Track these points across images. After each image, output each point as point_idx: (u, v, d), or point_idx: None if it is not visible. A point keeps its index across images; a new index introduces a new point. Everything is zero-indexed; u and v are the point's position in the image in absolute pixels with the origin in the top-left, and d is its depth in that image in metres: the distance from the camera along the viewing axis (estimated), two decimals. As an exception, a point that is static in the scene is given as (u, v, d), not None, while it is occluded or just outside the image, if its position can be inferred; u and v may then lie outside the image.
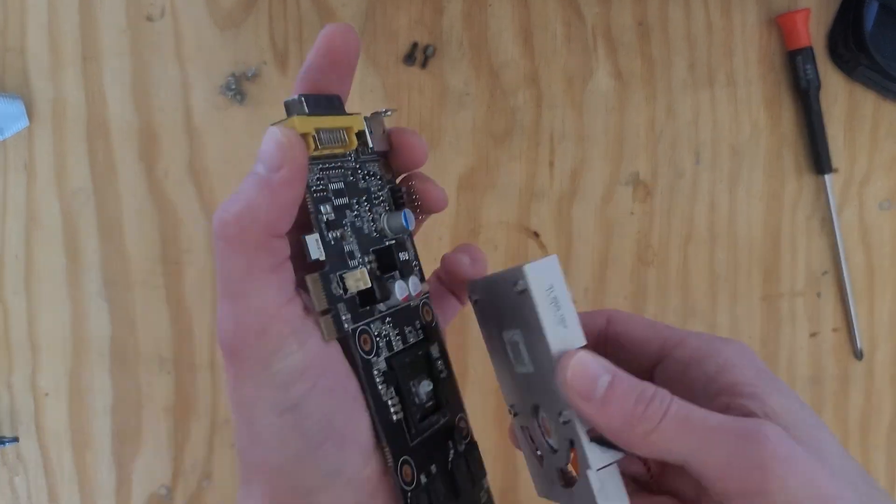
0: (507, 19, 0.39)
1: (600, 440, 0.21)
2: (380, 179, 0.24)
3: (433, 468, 0.23)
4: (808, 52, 0.39)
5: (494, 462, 0.41)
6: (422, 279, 0.25)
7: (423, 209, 0.25)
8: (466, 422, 0.25)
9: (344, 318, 0.22)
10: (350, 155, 0.23)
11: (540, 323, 0.21)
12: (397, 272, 0.24)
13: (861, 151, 0.41)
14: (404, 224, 0.24)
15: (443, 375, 0.24)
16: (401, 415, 0.22)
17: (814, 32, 0.40)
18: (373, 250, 0.23)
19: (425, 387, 0.23)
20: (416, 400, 0.23)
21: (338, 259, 0.22)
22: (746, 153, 0.41)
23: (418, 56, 0.39)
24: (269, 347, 0.21)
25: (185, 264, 0.39)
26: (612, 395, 0.21)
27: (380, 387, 0.22)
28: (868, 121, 0.41)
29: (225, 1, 0.38)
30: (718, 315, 0.41)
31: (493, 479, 0.41)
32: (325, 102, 0.22)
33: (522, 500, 0.42)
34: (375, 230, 0.23)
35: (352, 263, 0.22)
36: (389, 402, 0.22)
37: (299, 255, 0.22)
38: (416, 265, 0.25)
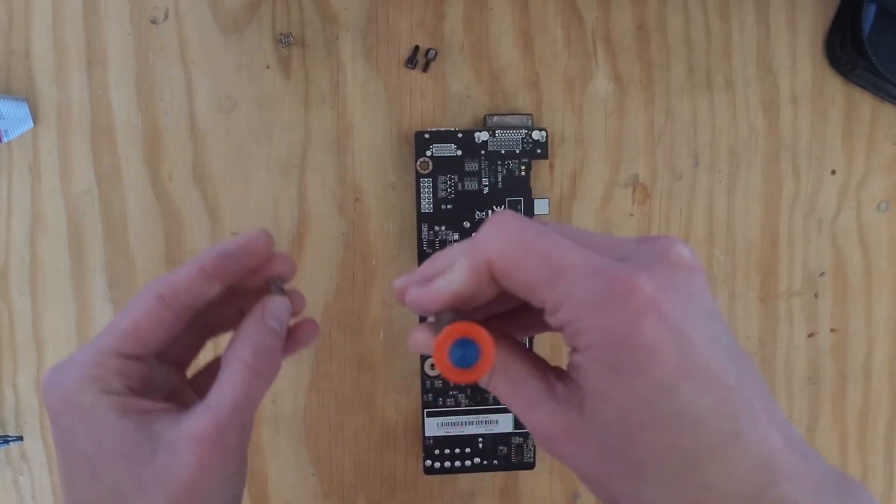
0: (508, 23, 0.39)
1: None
2: None
3: None
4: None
5: (495, 461, 0.41)
6: None
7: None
8: None
9: None
10: None
11: None
12: None
13: (859, 153, 0.41)
14: None
15: None
16: None
17: (812, 35, 0.41)
18: None
19: None
20: None
21: None
22: (744, 155, 0.41)
23: (420, 59, 0.39)
24: None
25: (188, 265, 0.39)
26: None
27: None
28: (866, 123, 0.41)
29: (229, 4, 0.38)
30: (717, 316, 0.41)
31: (494, 478, 0.42)
32: None
33: (522, 499, 0.42)
34: None
35: None
36: None
37: None
38: None
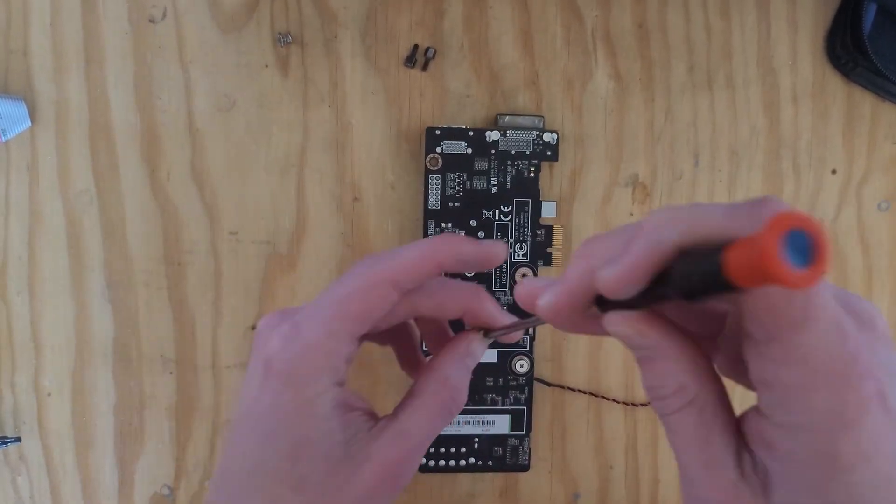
0: (508, 22, 0.39)
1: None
2: None
3: None
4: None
5: (495, 462, 0.41)
6: None
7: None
8: None
9: None
10: None
11: None
12: None
13: (859, 152, 0.41)
14: None
15: None
16: None
17: (812, 34, 0.40)
18: None
19: None
20: None
21: None
22: (745, 154, 0.41)
23: (419, 58, 0.39)
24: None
25: (187, 265, 0.39)
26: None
27: None
28: (867, 122, 0.41)
29: (227, 3, 0.38)
30: (717, 315, 0.41)
31: (494, 478, 0.42)
32: None
33: (522, 500, 0.42)
34: None
35: None
36: None
37: None
38: None
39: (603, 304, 0.21)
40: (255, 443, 0.25)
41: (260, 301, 0.40)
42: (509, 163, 0.39)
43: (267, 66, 0.39)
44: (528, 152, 0.39)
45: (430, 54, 0.39)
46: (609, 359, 0.41)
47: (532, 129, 0.38)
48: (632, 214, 0.41)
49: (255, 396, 0.25)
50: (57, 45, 0.38)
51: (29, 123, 0.38)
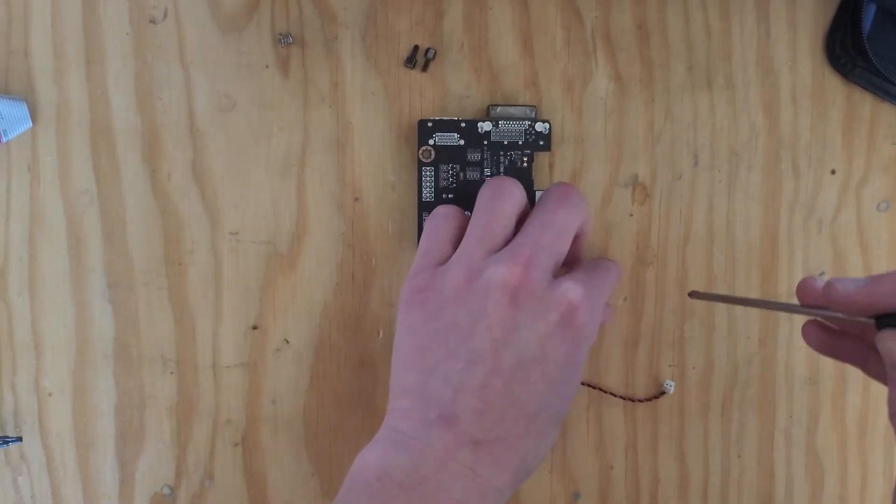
0: (508, 23, 0.39)
1: None
2: None
3: None
4: None
5: (495, 461, 0.41)
6: None
7: None
8: None
9: None
10: None
11: None
12: None
13: (859, 153, 0.41)
14: None
15: None
16: None
17: (812, 35, 0.40)
18: None
19: None
20: None
21: None
22: (744, 155, 0.41)
23: (419, 59, 0.39)
24: None
25: (188, 265, 0.39)
26: None
27: None
28: (866, 122, 0.41)
29: (228, 4, 0.38)
30: (716, 315, 0.41)
31: (494, 478, 0.42)
32: None
33: (522, 499, 0.42)
34: None
35: None
36: None
37: None
38: None
39: (882, 321, 0.25)
40: (546, 387, 0.30)
41: (260, 301, 0.40)
42: (502, 153, 0.39)
43: (267, 67, 0.39)
44: (520, 142, 0.39)
45: (430, 55, 0.39)
46: (609, 359, 0.41)
47: (524, 119, 0.39)
48: (631, 215, 0.41)
49: (552, 343, 0.30)
50: (57, 46, 0.38)
51: (30, 124, 0.38)
